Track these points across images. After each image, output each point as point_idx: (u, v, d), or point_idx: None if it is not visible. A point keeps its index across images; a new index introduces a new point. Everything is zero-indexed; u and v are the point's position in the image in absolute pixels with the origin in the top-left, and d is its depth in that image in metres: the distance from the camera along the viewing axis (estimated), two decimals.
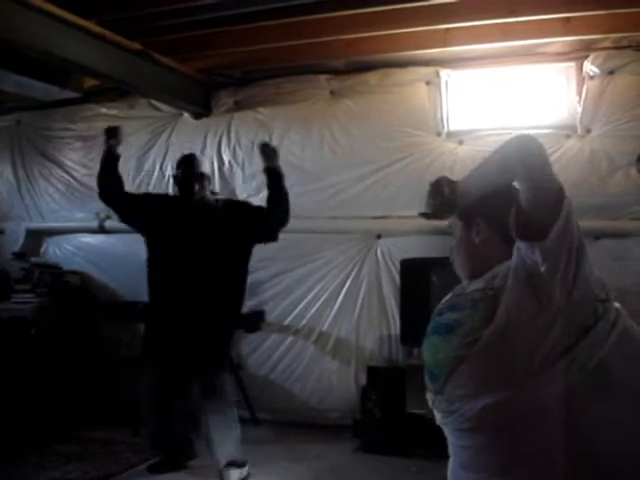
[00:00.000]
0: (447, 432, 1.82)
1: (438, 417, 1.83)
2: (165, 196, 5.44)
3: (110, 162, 4.83)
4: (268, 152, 4.81)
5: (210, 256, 4.57)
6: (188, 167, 4.82)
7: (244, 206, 5.07)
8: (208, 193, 4.86)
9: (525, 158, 1.66)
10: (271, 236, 4.85)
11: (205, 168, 4.97)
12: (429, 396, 1.85)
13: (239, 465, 4.50)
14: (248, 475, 4.57)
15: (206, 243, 4.59)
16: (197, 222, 4.67)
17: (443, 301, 1.92)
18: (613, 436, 1.61)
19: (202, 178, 4.81)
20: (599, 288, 1.74)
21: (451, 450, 1.83)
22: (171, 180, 6.40)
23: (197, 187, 4.73)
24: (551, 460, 1.61)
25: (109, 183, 4.84)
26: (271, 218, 4.77)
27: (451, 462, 1.83)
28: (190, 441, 4.88)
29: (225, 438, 4.50)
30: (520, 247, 1.67)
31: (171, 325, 4.57)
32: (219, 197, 5.19)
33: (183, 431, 4.87)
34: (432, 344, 1.83)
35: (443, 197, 1.84)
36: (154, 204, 4.88)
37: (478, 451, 1.72)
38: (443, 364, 1.76)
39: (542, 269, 1.62)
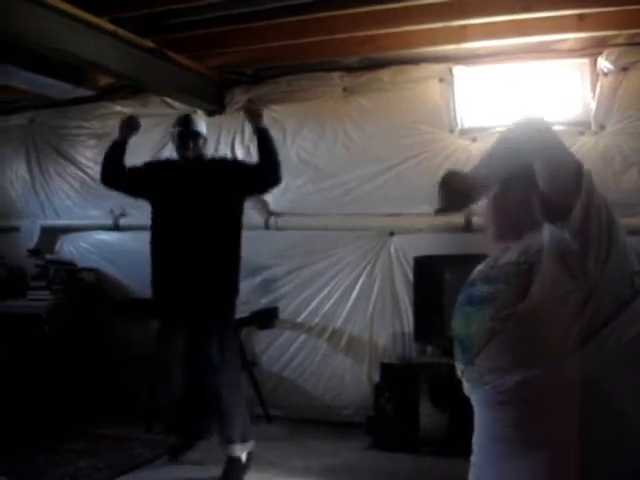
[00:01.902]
0: (475, 402, 1.83)
1: (467, 387, 1.84)
2: (164, 161, 5.53)
3: (120, 151, 5.00)
4: (252, 113, 4.93)
5: (206, 213, 4.70)
6: (184, 124, 4.95)
7: (237, 162, 5.44)
8: (203, 152, 5.00)
9: (539, 142, 1.70)
10: (263, 189, 5.08)
11: (202, 129, 4.98)
12: (459, 366, 1.84)
13: (245, 439, 4.55)
14: (253, 450, 4.62)
15: (201, 200, 4.71)
16: (192, 180, 4.80)
17: (476, 271, 1.92)
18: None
19: (197, 136, 4.90)
20: (635, 260, 1.75)
21: (478, 421, 1.83)
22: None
23: (192, 144, 4.84)
24: (580, 435, 1.61)
25: (114, 171, 4.99)
26: (264, 172, 4.78)
27: (478, 433, 1.84)
28: (205, 418, 4.94)
29: (239, 416, 4.55)
30: (549, 227, 1.68)
31: (173, 289, 4.75)
32: (215, 156, 5.51)
33: (198, 406, 4.91)
34: (465, 314, 1.82)
35: (454, 190, 1.84)
36: (154, 170, 5.04)
37: (507, 424, 1.72)
38: (476, 335, 1.75)
39: (573, 247, 1.62)
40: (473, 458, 1.85)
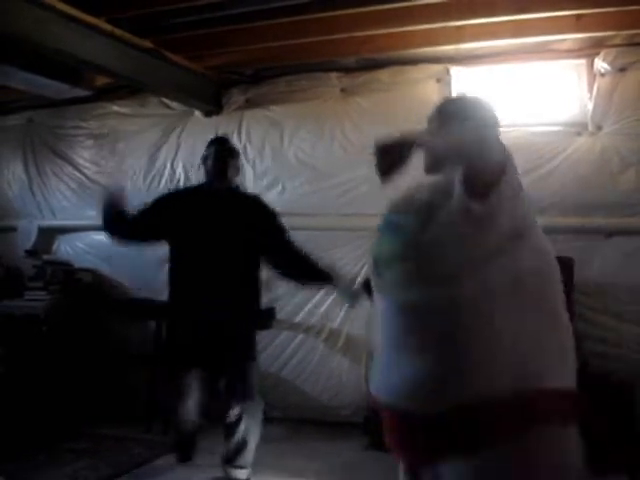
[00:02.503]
0: (381, 308, 2.21)
1: (376, 295, 2.24)
2: (182, 192, 4.98)
3: (111, 219, 4.37)
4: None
5: (230, 253, 4.24)
6: (222, 143, 4.44)
7: (270, 217, 4.49)
8: (238, 177, 4.50)
9: (474, 148, 1.98)
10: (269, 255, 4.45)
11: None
12: (373, 279, 2.25)
13: (251, 464, 4.45)
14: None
15: (229, 239, 4.23)
16: (223, 216, 4.27)
17: (395, 200, 2.40)
18: (516, 329, 1.99)
19: (236, 158, 4.41)
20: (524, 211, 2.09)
21: (382, 324, 2.20)
22: (184, 174, 6.47)
23: (230, 166, 4.32)
24: (460, 344, 2.00)
25: (118, 233, 4.56)
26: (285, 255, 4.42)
27: (379, 333, 2.22)
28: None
29: (253, 443, 4.41)
30: (462, 194, 1.98)
31: (194, 322, 4.25)
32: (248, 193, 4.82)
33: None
34: (381, 237, 2.30)
35: (390, 153, 2.14)
36: (169, 208, 4.40)
37: (404, 329, 2.10)
38: (387, 255, 2.19)
39: (479, 219, 1.95)
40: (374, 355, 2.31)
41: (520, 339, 1.99)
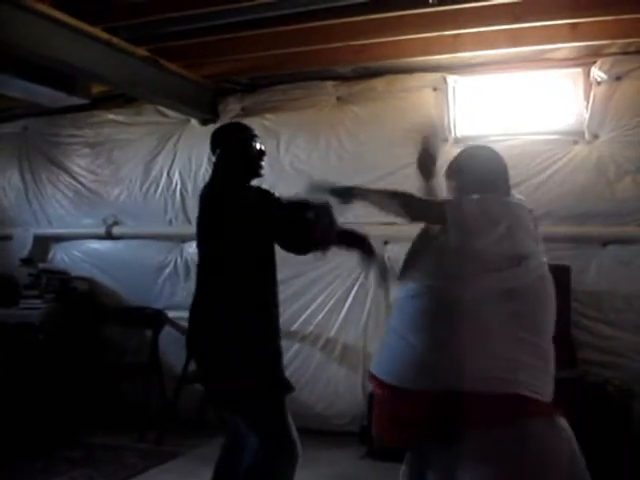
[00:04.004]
0: (398, 294, 2.69)
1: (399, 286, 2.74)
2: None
3: None
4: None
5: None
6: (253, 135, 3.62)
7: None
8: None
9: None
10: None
11: None
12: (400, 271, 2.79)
13: None
14: None
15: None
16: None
17: None
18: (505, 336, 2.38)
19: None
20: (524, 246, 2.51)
21: (395, 309, 2.68)
22: (181, 182, 6.45)
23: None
24: (454, 333, 2.37)
25: None
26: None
27: (392, 316, 2.68)
28: None
29: None
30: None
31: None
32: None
33: None
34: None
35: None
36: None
37: (413, 314, 2.52)
38: (411, 251, 2.84)
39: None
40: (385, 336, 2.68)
41: (507, 345, 2.36)
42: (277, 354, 3.38)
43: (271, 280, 3.40)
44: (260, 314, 3.30)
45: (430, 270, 2.54)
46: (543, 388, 2.38)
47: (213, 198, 3.41)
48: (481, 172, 2.74)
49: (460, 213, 2.45)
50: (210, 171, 3.68)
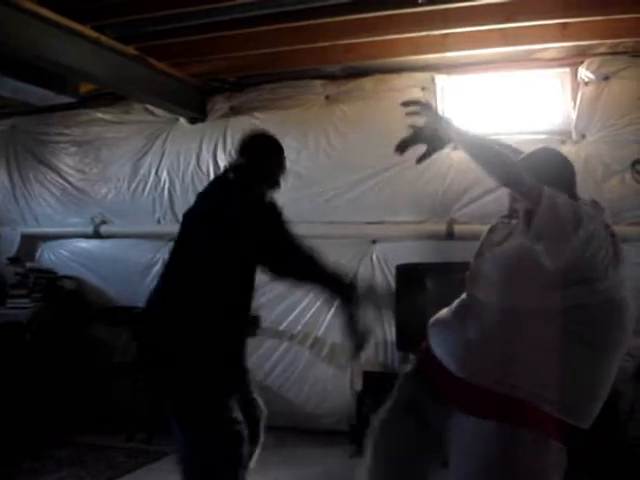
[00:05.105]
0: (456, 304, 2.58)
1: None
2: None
3: None
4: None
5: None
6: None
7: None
8: None
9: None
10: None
11: None
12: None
13: None
14: None
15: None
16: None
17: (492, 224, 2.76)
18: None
19: None
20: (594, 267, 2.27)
21: (453, 309, 2.58)
22: (169, 181, 6.44)
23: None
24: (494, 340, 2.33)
25: None
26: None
27: (444, 314, 2.60)
28: None
29: None
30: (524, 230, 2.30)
31: None
32: None
33: None
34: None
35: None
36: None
37: (468, 311, 2.46)
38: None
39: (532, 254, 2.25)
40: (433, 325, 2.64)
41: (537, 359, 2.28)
42: (231, 360, 3.30)
43: (245, 290, 3.33)
44: (223, 317, 3.17)
45: (489, 280, 2.42)
46: (575, 410, 2.31)
47: (222, 197, 3.39)
48: (557, 173, 2.64)
49: (555, 201, 2.23)
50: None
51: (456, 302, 2.60)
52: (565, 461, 2.28)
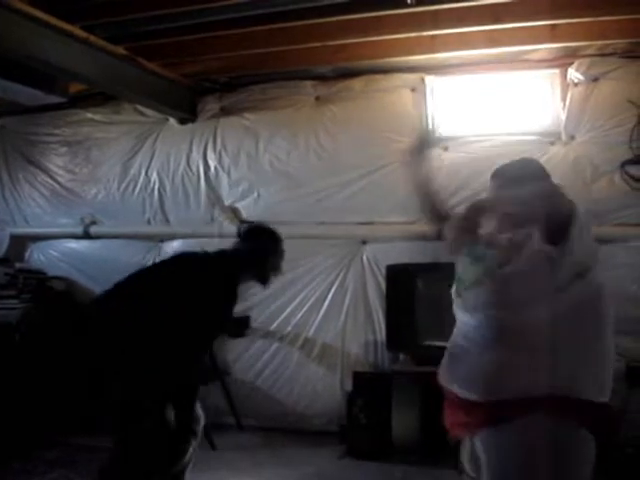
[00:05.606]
0: (457, 310, 2.62)
1: (455, 302, 2.64)
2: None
3: None
4: None
5: None
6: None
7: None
8: None
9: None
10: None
11: None
12: (454, 290, 2.65)
13: None
14: None
15: None
16: None
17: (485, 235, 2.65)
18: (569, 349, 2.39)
19: None
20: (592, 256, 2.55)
21: (458, 327, 2.61)
22: (159, 181, 6.44)
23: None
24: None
25: None
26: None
27: (454, 335, 2.62)
28: None
29: None
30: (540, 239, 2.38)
31: None
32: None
33: None
34: (467, 263, 2.60)
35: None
36: None
37: (470, 328, 2.53)
38: (468, 279, 2.57)
39: (552, 259, 2.37)
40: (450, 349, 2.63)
41: (570, 357, 2.38)
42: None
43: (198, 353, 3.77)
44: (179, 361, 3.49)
45: (495, 300, 2.47)
46: (595, 394, 2.47)
47: (215, 268, 3.66)
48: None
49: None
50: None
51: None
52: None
